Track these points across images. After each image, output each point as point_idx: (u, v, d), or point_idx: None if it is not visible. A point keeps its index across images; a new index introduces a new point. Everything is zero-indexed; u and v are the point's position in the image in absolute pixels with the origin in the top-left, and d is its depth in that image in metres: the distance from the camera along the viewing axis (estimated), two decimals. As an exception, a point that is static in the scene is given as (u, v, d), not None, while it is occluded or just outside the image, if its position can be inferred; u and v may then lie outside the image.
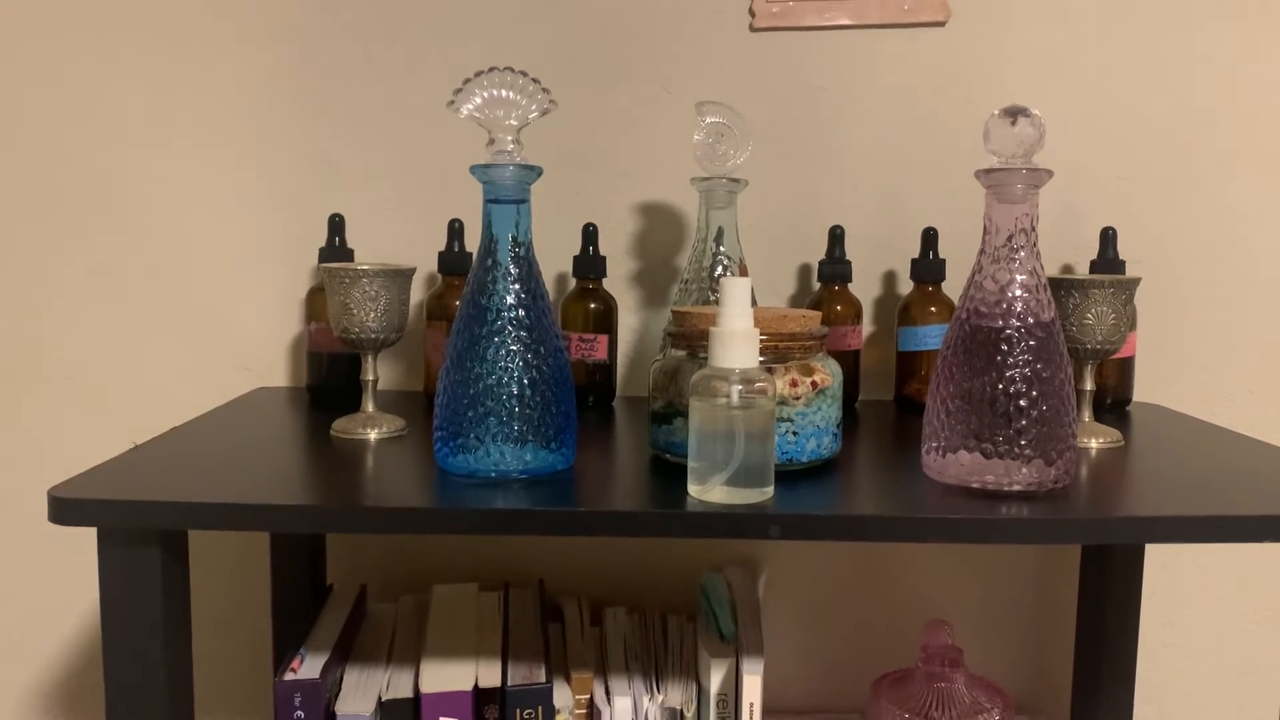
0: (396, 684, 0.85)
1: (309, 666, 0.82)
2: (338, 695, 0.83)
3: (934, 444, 0.69)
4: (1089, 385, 0.83)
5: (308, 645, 0.85)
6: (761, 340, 0.66)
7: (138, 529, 0.63)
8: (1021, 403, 0.66)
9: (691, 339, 0.72)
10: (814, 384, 0.70)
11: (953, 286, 0.93)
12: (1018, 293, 0.67)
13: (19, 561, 1.07)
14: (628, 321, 1.05)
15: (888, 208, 1.04)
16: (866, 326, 1.04)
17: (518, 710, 0.81)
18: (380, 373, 0.84)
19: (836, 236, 0.98)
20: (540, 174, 0.69)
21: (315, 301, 0.96)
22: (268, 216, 1.04)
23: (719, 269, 0.90)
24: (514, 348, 0.68)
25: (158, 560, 0.63)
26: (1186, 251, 1.04)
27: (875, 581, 1.07)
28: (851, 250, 0.99)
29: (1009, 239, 0.67)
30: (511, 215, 0.69)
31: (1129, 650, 1.00)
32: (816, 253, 1.00)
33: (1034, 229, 0.68)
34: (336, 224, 0.97)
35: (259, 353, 1.05)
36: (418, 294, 1.01)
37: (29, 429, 1.06)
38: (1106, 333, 0.80)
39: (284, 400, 0.98)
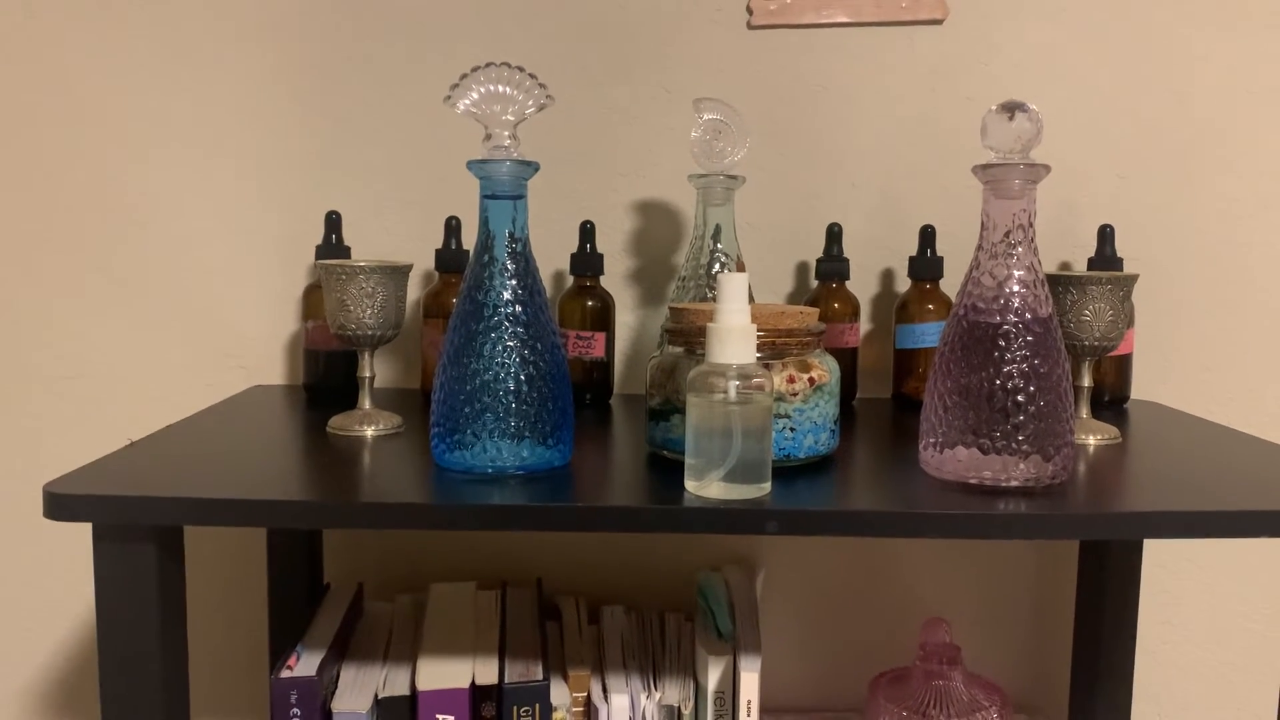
0: (393, 681, 0.84)
1: (305, 664, 0.81)
2: (334, 693, 0.83)
3: (932, 440, 0.69)
4: (1086, 382, 0.83)
5: (304, 643, 0.85)
6: (759, 336, 0.66)
7: (133, 525, 0.63)
8: (1019, 398, 0.65)
9: (689, 335, 0.71)
10: (811, 380, 0.70)
11: (950, 284, 0.93)
12: (1015, 288, 0.67)
13: (17, 561, 1.07)
14: (625, 319, 1.04)
15: (885, 205, 1.03)
16: (864, 324, 1.04)
17: (515, 708, 0.81)
18: (377, 370, 0.84)
19: (834, 234, 0.98)
20: (537, 169, 0.69)
21: (312, 299, 0.96)
22: (265, 214, 1.04)
23: (716, 266, 0.90)
24: (511, 344, 0.68)
25: (153, 557, 0.63)
26: (1184, 249, 1.04)
27: (873, 580, 1.07)
28: (849, 248, 0.99)
29: (1006, 234, 0.67)
30: (508, 211, 0.69)
31: (1127, 648, 1.00)
32: (814, 250, 1.00)
33: (1031, 225, 0.68)
34: (333, 221, 0.97)
35: (255, 350, 1.05)
36: (415, 291, 1.01)
37: (26, 427, 1.06)
38: (1104, 329, 0.80)
39: (280, 398, 0.98)
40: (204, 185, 1.04)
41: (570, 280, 0.98)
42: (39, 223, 1.04)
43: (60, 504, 0.61)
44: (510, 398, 0.67)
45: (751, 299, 0.79)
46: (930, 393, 0.69)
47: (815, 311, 0.74)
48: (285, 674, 0.80)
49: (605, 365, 0.96)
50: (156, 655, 0.64)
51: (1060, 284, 0.80)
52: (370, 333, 0.81)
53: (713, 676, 0.85)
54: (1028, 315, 0.67)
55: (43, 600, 1.07)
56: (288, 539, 0.97)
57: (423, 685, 0.81)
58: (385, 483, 0.71)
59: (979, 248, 0.69)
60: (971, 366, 0.67)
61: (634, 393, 1.02)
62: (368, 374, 0.82)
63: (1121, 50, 1.02)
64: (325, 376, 0.96)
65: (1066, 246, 1.03)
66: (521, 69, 0.68)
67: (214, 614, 1.06)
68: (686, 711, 0.87)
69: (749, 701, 0.85)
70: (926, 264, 0.97)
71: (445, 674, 0.83)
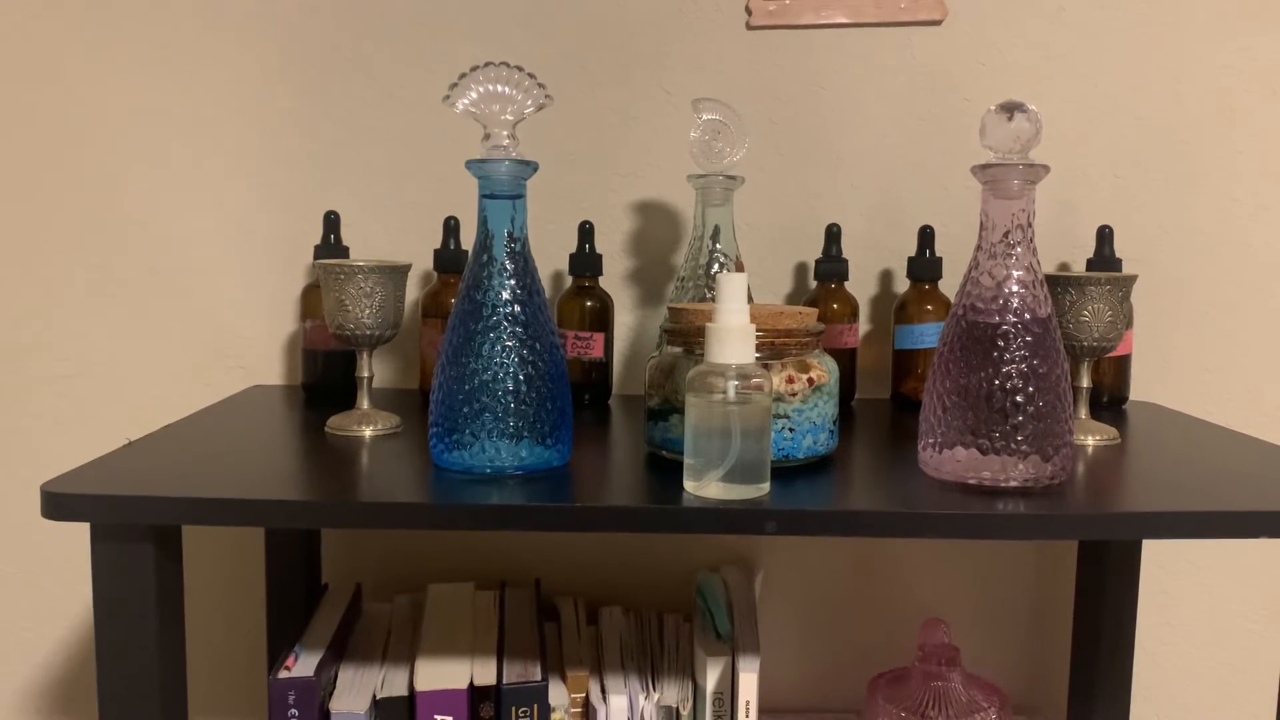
0: (391, 682, 0.84)
1: (303, 664, 0.81)
2: (332, 693, 0.83)
3: (930, 440, 0.69)
4: (1085, 382, 0.83)
5: (302, 643, 0.85)
6: (758, 336, 0.66)
7: (131, 525, 0.62)
8: (1018, 398, 0.65)
9: (688, 336, 0.71)
10: (810, 380, 0.70)
11: (949, 285, 0.93)
12: (1014, 288, 0.67)
13: (15, 560, 1.06)
14: (624, 319, 1.04)
15: (884, 206, 1.03)
16: (863, 325, 1.04)
17: (513, 708, 0.81)
18: (375, 370, 0.84)
19: (833, 234, 0.98)
20: (536, 169, 0.69)
21: (310, 299, 0.96)
22: (263, 214, 1.04)
23: (715, 267, 0.90)
24: (509, 343, 0.68)
25: (151, 557, 0.63)
26: (1183, 250, 1.04)
27: (872, 580, 1.07)
28: (848, 248, 0.99)
29: (1005, 235, 0.67)
30: (507, 210, 0.69)
31: (1126, 649, 1.00)
32: (813, 251, 1.00)
33: (1030, 225, 0.68)
34: (332, 221, 0.97)
35: (254, 350, 1.05)
36: (413, 291, 1.01)
37: (25, 426, 1.05)
38: (1103, 330, 0.80)
39: (279, 398, 0.97)
40: (203, 185, 1.03)
41: (569, 280, 0.98)
42: (38, 223, 1.04)
43: (58, 503, 0.61)
44: (509, 398, 0.67)
45: (750, 299, 0.79)
46: (929, 393, 0.69)
47: (814, 312, 0.74)
48: (283, 674, 0.80)
49: (604, 365, 0.96)
50: (154, 655, 0.63)
51: (1059, 284, 0.80)
52: (369, 333, 0.80)
53: (711, 677, 0.85)
54: (1027, 316, 0.67)
55: (41, 600, 1.07)
56: (286, 539, 0.97)
57: (421, 686, 0.81)
58: (384, 483, 0.71)
59: (978, 248, 0.69)
60: (970, 367, 0.67)
61: (633, 393, 1.02)
62: (366, 374, 0.82)
63: (1121, 50, 1.02)
64: (324, 376, 0.96)
65: (1065, 247, 1.03)
66: (520, 69, 0.68)
67: (212, 614, 1.06)
68: (685, 712, 0.87)
69: (747, 702, 0.84)
70: (925, 264, 0.97)
71: (443, 674, 0.83)
